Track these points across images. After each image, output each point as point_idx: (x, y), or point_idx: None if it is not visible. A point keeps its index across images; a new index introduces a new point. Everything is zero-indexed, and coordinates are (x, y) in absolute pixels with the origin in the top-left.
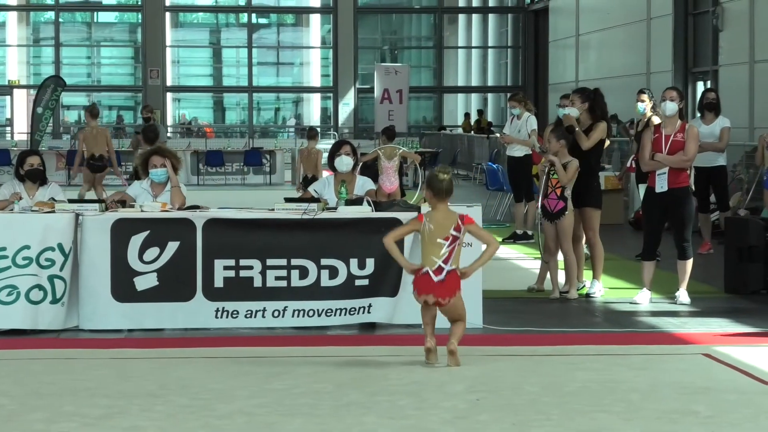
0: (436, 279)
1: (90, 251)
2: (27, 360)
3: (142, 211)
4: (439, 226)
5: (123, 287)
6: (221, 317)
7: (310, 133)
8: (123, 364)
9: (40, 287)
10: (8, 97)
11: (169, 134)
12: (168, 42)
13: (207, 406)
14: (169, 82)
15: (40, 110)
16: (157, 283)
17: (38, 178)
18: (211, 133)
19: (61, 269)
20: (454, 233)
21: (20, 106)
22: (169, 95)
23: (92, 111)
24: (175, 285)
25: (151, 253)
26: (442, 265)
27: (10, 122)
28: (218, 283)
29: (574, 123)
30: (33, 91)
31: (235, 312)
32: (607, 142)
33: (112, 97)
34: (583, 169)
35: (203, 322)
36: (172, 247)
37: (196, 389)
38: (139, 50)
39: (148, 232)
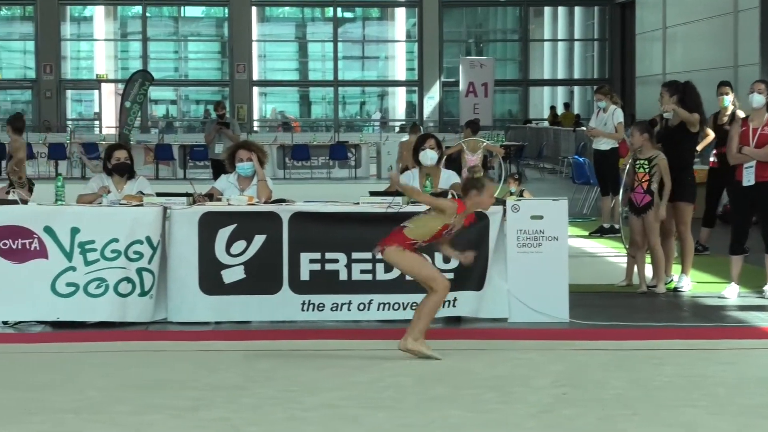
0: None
1: (178, 244)
2: (115, 352)
3: (229, 204)
4: (459, 224)
5: (210, 280)
6: (307, 310)
7: (414, 129)
8: (210, 357)
9: (128, 280)
10: (96, 92)
11: (255, 128)
12: (254, 36)
13: (292, 399)
14: (255, 77)
15: (128, 104)
16: (244, 276)
17: (125, 171)
18: (298, 127)
19: (150, 262)
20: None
21: (108, 100)
22: (255, 89)
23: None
24: (262, 278)
25: (238, 246)
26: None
27: (98, 116)
28: (304, 276)
29: (674, 108)
30: (121, 86)
31: (321, 305)
32: (711, 136)
33: (199, 92)
34: (676, 164)
35: (289, 315)
36: (259, 240)
37: (282, 381)
38: (225, 45)
39: (235, 225)
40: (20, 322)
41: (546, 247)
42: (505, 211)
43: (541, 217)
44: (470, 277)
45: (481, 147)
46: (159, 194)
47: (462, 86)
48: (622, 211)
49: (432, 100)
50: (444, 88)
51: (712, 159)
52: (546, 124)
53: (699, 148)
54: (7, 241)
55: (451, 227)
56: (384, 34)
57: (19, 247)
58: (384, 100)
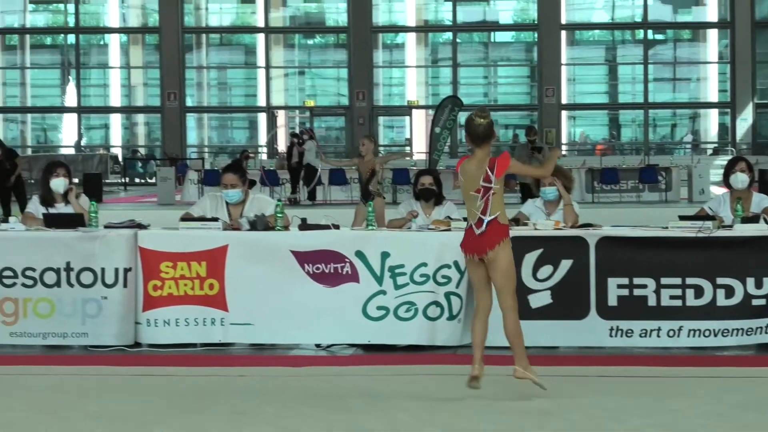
0: (477, 232)
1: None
2: (424, 375)
3: (535, 229)
4: (470, 178)
5: (518, 305)
6: (615, 336)
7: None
8: (517, 381)
9: (437, 304)
10: (407, 117)
11: (564, 152)
12: (563, 60)
13: (600, 425)
14: (564, 100)
15: (437, 130)
16: (550, 300)
17: (431, 197)
18: (600, 151)
19: (457, 286)
20: (485, 185)
21: (419, 126)
22: (564, 113)
23: None
24: (568, 303)
25: (545, 270)
26: (481, 216)
27: (409, 142)
28: (612, 301)
29: None
30: (431, 112)
31: (629, 331)
32: None
33: (507, 116)
34: None
35: (597, 341)
36: (566, 265)
37: (590, 407)
38: (534, 69)
39: (541, 250)
40: (332, 345)
41: None
42: None
43: None
44: None
45: None
46: (466, 219)
47: None
48: None
49: (745, 122)
50: (757, 109)
51: None
52: None
53: None
54: (320, 266)
55: (478, 189)
56: (696, 55)
57: (332, 271)
58: (695, 122)
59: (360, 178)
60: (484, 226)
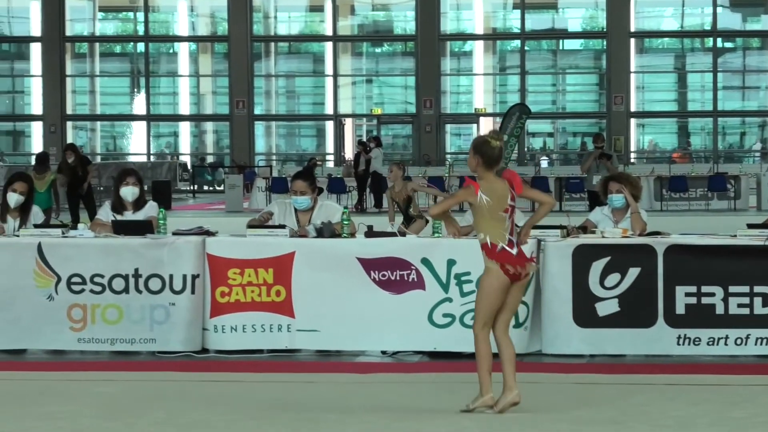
0: (514, 252)
1: (552, 277)
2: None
3: (603, 237)
4: (499, 198)
5: (584, 312)
6: (683, 344)
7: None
8: (584, 390)
9: None
10: (474, 125)
11: (633, 160)
12: (632, 68)
13: None
14: (633, 108)
15: (505, 138)
16: (618, 308)
17: None
18: (676, 158)
19: (524, 293)
20: (511, 203)
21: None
22: (632, 121)
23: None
24: (636, 311)
25: (612, 278)
26: (510, 237)
27: None
28: (680, 309)
29: None
30: (498, 119)
31: (697, 339)
32: None
33: (575, 124)
34: None
35: (664, 349)
36: (633, 273)
37: (657, 416)
38: (603, 77)
39: (609, 258)
40: (398, 352)
41: None
42: None
43: None
44: None
45: None
46: (533, 227)
47: None
48: None
49: None
50: None
51: None
52: None
53: None
54: (386, 273)
55: (507, 208)
56: (765, 63)
57: (398, 278)
58: (765, 131)
59: (399, 206)
60: (516, 247)
